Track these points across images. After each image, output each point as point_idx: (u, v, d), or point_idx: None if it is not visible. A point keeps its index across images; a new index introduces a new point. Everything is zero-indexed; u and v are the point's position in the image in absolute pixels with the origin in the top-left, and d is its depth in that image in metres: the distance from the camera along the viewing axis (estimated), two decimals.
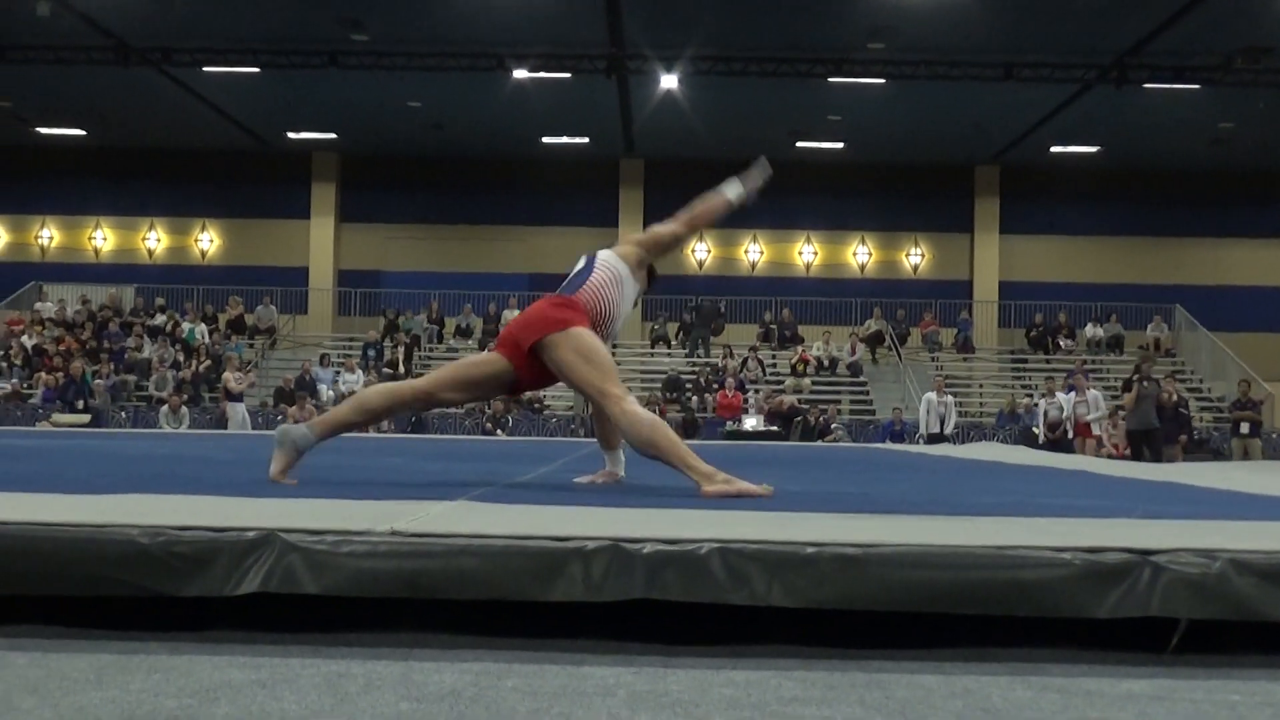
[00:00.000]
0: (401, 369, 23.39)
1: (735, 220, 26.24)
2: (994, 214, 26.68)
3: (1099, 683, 2.13)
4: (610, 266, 4.56)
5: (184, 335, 24.47)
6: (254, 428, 19.31)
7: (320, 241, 26.85)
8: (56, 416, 20.08)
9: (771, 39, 18.62)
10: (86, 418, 20.11)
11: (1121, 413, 19.98)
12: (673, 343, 25.56)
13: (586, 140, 24.82)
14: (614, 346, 23.62)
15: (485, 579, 2.31)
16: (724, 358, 23.57)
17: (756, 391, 22.52)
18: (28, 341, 23.78)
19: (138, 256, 27.22)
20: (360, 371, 22.28)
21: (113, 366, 22.91)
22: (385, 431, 18.45)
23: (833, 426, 20.65)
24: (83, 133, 25.29)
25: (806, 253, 27.05)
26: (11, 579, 2.35)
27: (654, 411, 18.54)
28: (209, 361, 22.97)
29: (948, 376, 23.99)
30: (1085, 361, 24.23)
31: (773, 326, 25.58)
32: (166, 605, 2.37)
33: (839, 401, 22.86)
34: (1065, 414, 18.19)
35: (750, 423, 20.62)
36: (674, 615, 2.36)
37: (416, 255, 26.80)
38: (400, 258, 26.86)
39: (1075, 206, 26.46)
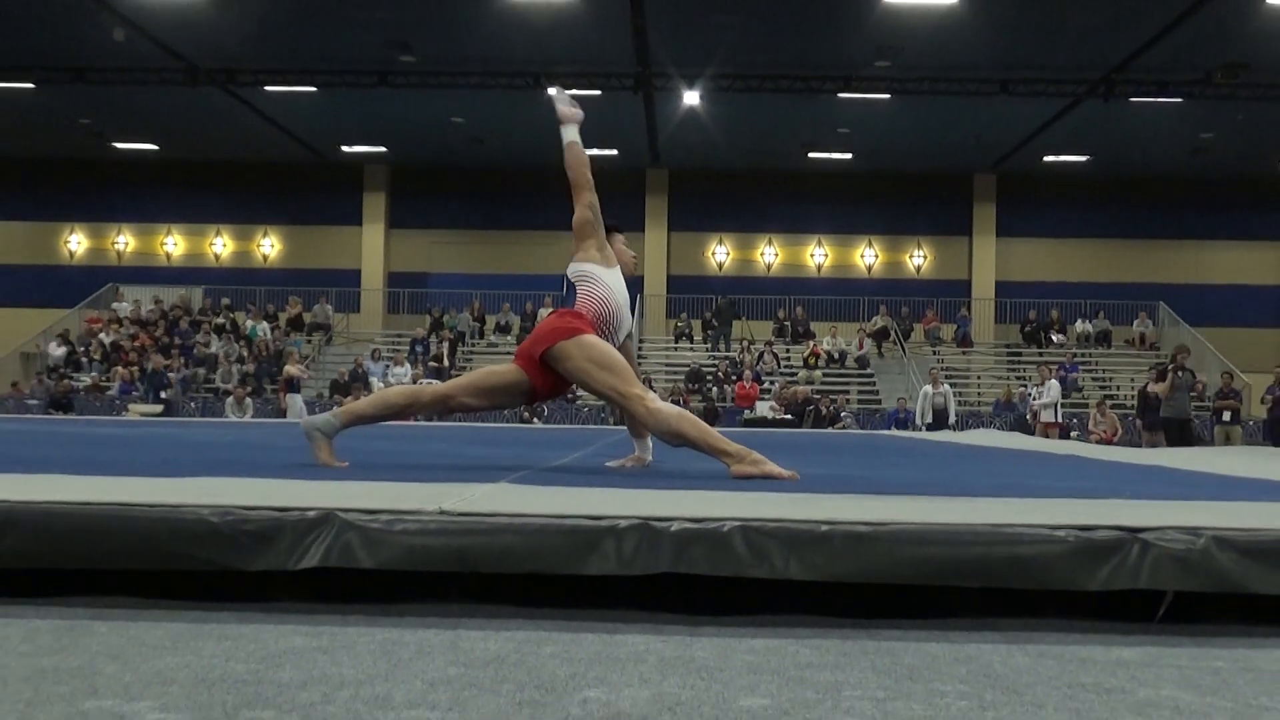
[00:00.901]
0: (446, 363, 23.47)
1: (753, 225, 26.53)
2: (991, 218, 26.58)
3: (1092, 650, 2.13)
4: (581, 274, 4.54)
5: (247, 332, 24.61)
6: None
7: (372, 246, 26.94)
8: (133, 407, 20.23)
9: (785, 58, 18.58)
10: (160, 408, 20.25)
11: (1109, 402, 19.94)
12: (696, 338, 25.56)
13: (615, 152, 24.81)
14: (640, 342, 23.80)
15: (526, 554, 2.32)
16: (742, 352, 23.56)
17: (772, 383, 22.49)
18: (106, 339, 23.96)
19: (205, 260, 27.36)
20: (408, 365, 22.35)
21: (183, 361, 23.05)
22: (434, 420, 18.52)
23: (842, 415, 20.60)
24: (155, 147, 25.43)
25: (818, 255, 26.98)
26: (96, 554, 2.36)
27: (676, 402, 18.46)
28: (293, 352, 23.11)
29: (948, 369, 23.92)
30: (1075, 355, 24.13)
31: (787, 323, 25.55)
32: (235, 578, 2.38)
33: (848, 392, 22.81)
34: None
35: (766, 411, 20.60)
36: (699, 588, 2.36)
37: (460, 258, 26.85)
38: (445, 261, 26.92)
39: (1067, 211, 26.33)
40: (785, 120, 21.88)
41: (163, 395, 21.02)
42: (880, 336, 25.10)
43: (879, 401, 22.70)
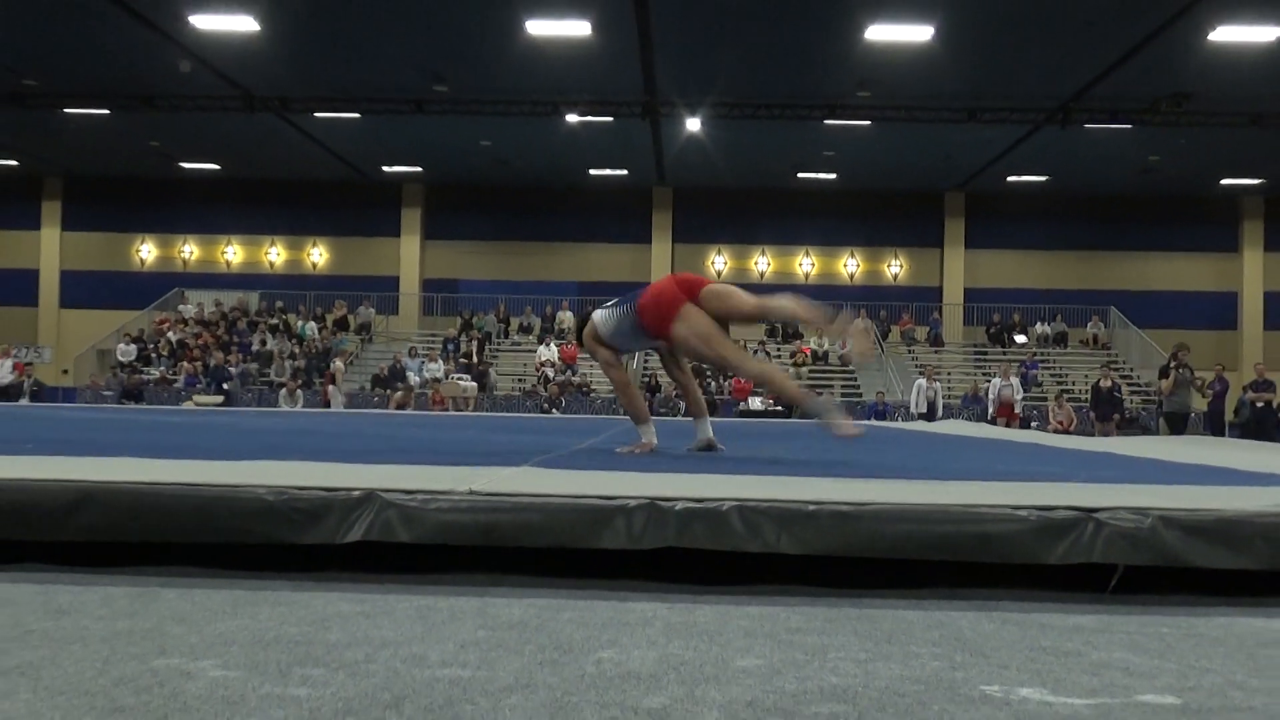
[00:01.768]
0: (475, 360, 23.49)
1: (748, 237, 26.49)
2: (960, 232, 26.54)
3: (1050, 617, 2.12)
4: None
5: (298, 332, 24.65)
6: (354, 407, 19.42)
7: (409, 255, 26.95)
8: (197, 397, 20.28)
9: (777, 89, 18.57)
10: (220, 399, 20.29)
11: (1066, 396, 19.90)
12: None
13: (625, 172, 24.81)
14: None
15: (546, 530, 2.32)
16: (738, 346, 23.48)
17: None
18: (173, 337, 24.01)
19: (261, 267, 27.38)
20: (441, 361, 22.36)
21: (241, 357, 23.09)
22: (463, 410, 18.53)
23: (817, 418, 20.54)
24: (217, 167, 25.47)
25: (805, 264, 26.94)
26: (164, 529, 2.37)
27: (677, 394, 18.39)
28: (342, 353, 23.17)
29: (922, 366, 23.90)
30: (1035, 354, 24.10)
31: (777, 325, 25.51)
32: (288, 551, 2.39)
33: (832, 386, 22.79)
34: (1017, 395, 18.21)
35: (758, 404, 20.58)
36: (700, 560, 2.36)
37: (487, 266, 26.85)
38: (473, 268, 26.92)
39: (1028, 225, 26.29)
40: (777, 144, 21.86)
41: (223, 387, 21.05)
42: None
43: (860, 395, 22.66)
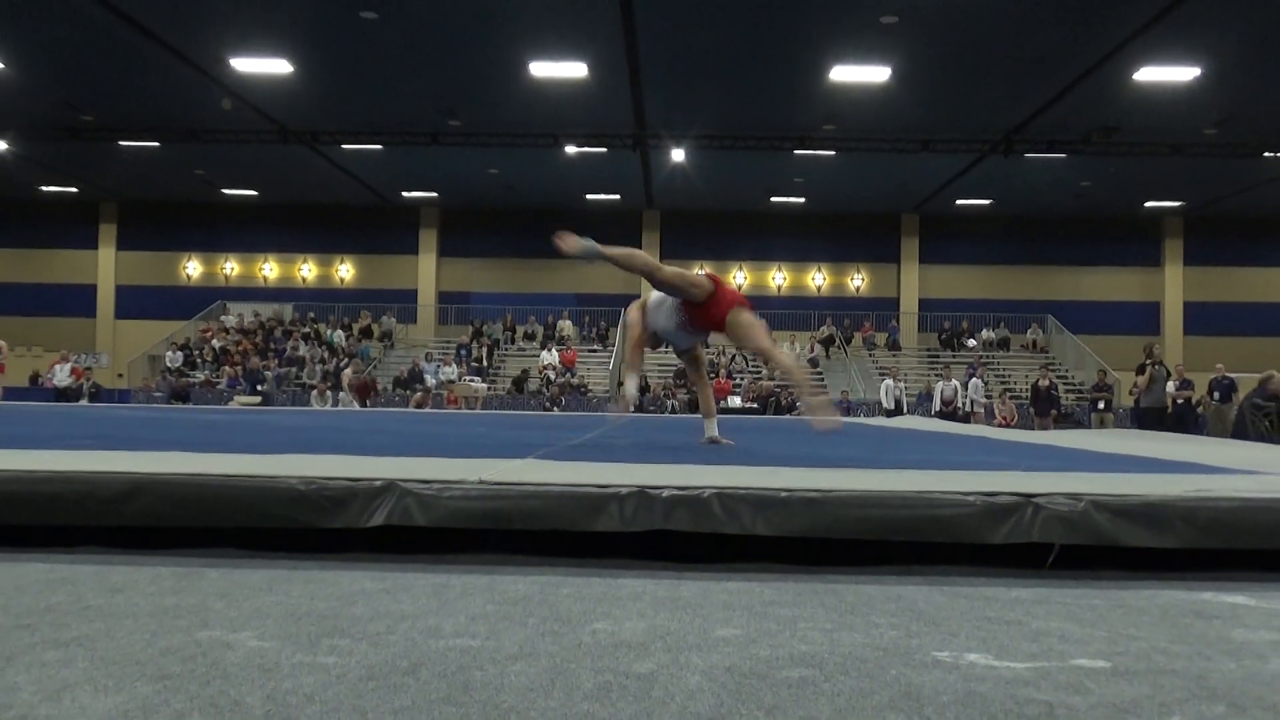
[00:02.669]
0: (485, 363, 23.47)
1: (727, 254, 26.52)
2: (915, 249, 26.57)
3: (995, 590, 2.13)
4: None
5: (328, 339, 24.59)
6: (377, 406, 19.38)
7: (426, 271, 26.91)
8: (237, 398, 20.22)
9: (753, 123, 18.59)
10: (258, 399, 20.23)
11: (1008, 394, 19.93)
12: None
13: (618, 196, 24.81)
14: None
15: (547, 515, 2.32)
16: (718, 354, 23.53)
17: (742, 379, 22.48)
18: (216, 344, 23.94)
19: (294, 282, 27.31)
20: (455, 365, 22.33)
21: (277, 362, 23.03)
22: (476, 408, 18.51)
23: (798, 404, 20.58)
24: (255, 193, 25.40)
25: (778, 278, 26.95)
26: (207, 515, 2.37)
27: (665, 393, 18.24)
28: (356, 361, 23.13)
29: (883, 368, 23.94)
30: (982, 357, 24.15)
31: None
32: (317, 534, 2.38)
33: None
34: (960, 395, 18.20)
35: (737, 402, 20.59)
36: (685, 542, 2.36)
37: (495, 280, 26.82)
38: (484, 282, 26.88)
39: (974, 243, 26.35)
40: (752, 171, 21.88)
41: (260, 389, 20.99)
42: (827, 343, 25.08)
43: (826, 394, 22.69)
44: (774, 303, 26.43)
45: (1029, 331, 25.81)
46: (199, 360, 23.28)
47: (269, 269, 27.32)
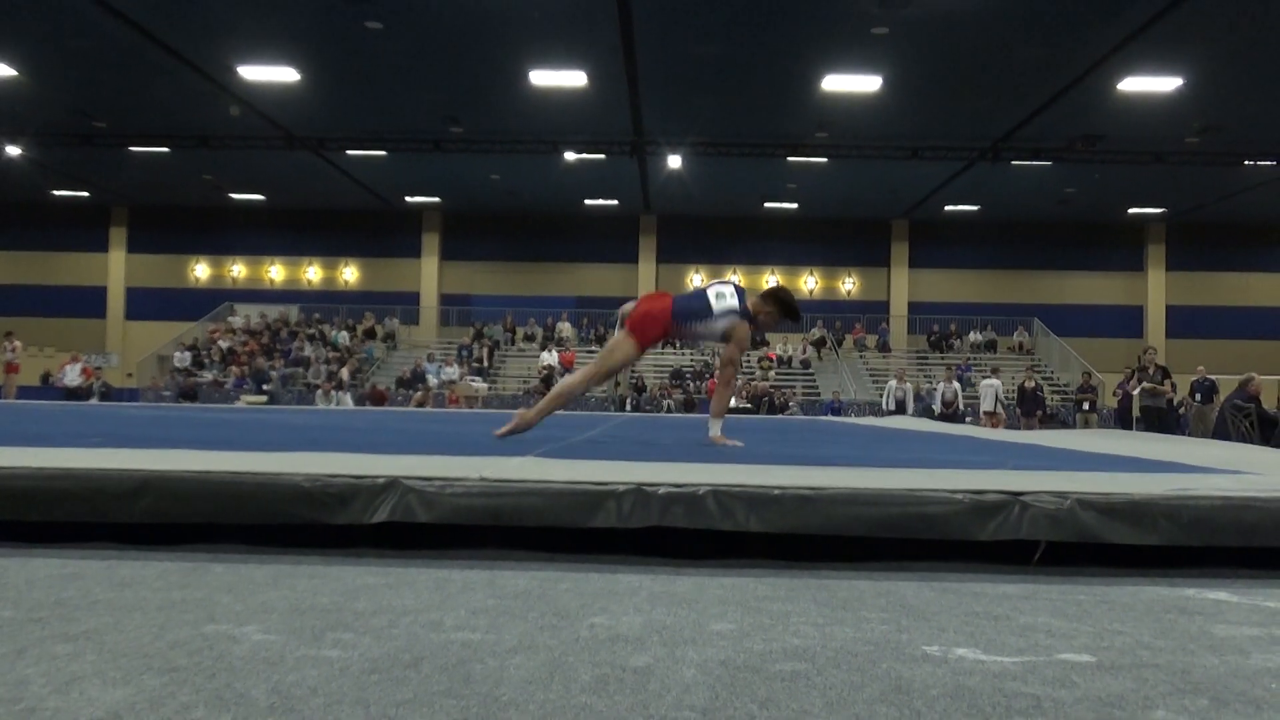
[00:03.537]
0: (486, 364, 23.46)
1: (721, 258, 26.53)
2: (904, 253, 26.61)
3: (983, 586, 2.12)
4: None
5: (332, 340, 24.57)
6: (378, 405, 19.35)
7: (428, 273, 26.90)
8: (244, 397, 20.19)
9: (747, 130, 18.60)
10: (265, 398, 20.21)
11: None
12: (678, 345, 25.54)
13: (616, 202, 24.81)
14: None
15: (547, 512, 2.32)
16: (713, 355, 23.54)
17: (736, 380, 22.42)
18: (223, 345, 23.91)
19: (300, 284, 27.29)
20: (456, 365, 22.31)
21: (283, 362, 23.00)
22: (477, 408, 18.49)
23: (790, 405, 20.60)
24: (262, 197, 25.37)
25: (771, 281, 26.92)
26: (214, 511, 2.36)
27: (662, 394, 18.20)
28: (352, 361, 23.10)
29: (872, 370, 23.97)
30: (969, 359, 24.18)
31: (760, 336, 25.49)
32: (322, 530, 2.37)
33: (794, 387, 22.81)
34: (960, 397, 18.14)
35: (731, 402, 20.56)
36: (680, 538, 2.35)
37: (496, 283, 26.81)
38: (485, 285, 26.87)
39: (962, 248, 26.38)
40: (746, 178, 21.89)
41: (266, 388, 20.97)
42: (819, 344, 25.12)
43: (819, 394, 22.70)
44: None
45: (1015, 334, 25.86)
46: (207, 360, 23.25)
47: (275, 271, 27.30)
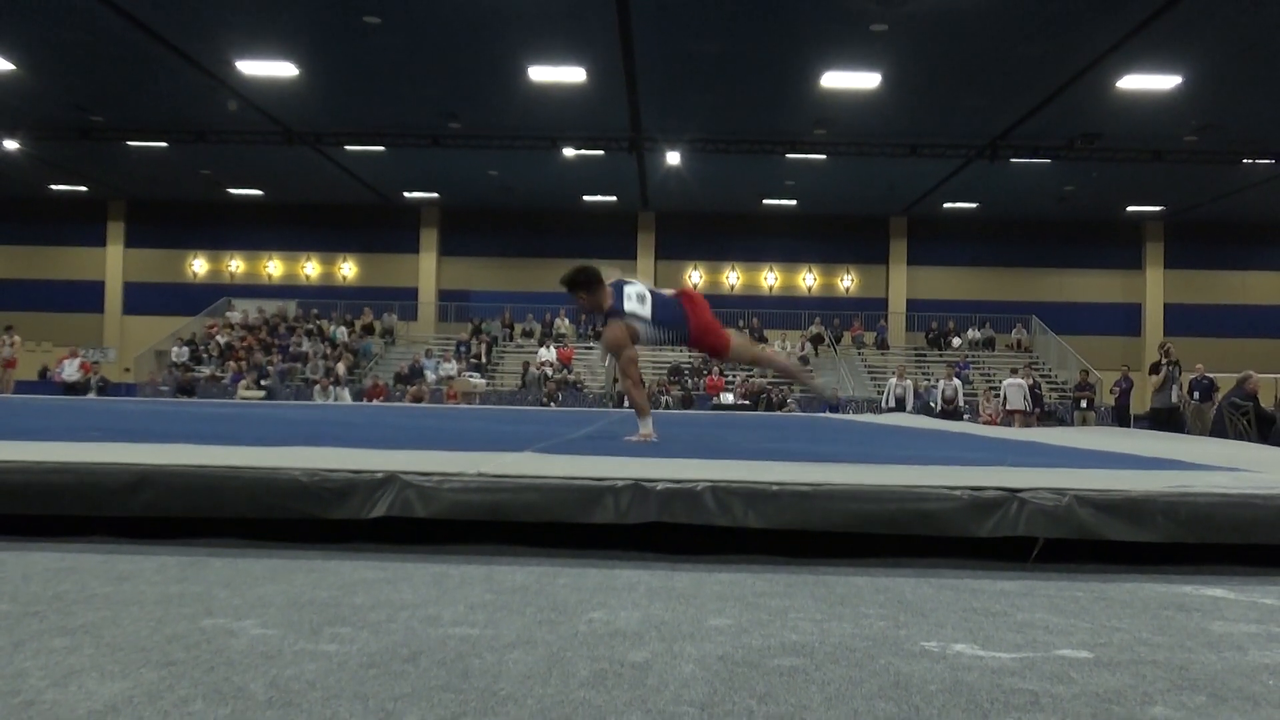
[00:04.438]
0: (484, 360, 23.45)
1: (720, 255, 26.53)
2: (903, 251, 26.60)
3: (981, 583, 2.13)
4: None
5: (330, 335, 24.55)
6: (373, 401, 19.35)
7: (426, 269, 26.88)
8: (242, 392, 20.17)
9: (745, 127, 18.59)
10: (262, 393, 20.20)
11: (994, 393, 19.94)
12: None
13: (614, 198, 24.79)
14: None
15: (545, 507, 2.31)
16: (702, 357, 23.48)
17: (734, 376, 22.49)
18: (221, 340, 23.89)
19: (298, 280, 27.25)
20: (454, 361, 22.31)
21: (280, 357, 22.98)
22: (475, 403, 18.49)
23: (788, 401, 20.61)
24: (260, 192, 25.34)
25: (770, 278, 26.96)
26: (212, 506, 2.36)
27: (658, 390, 18.25)
28: (350, 357, 23.09)
29: (870, 367, 23.97)
30: (967, 356, 24.19)
31: (746, 330, 25.53)
32: (320, 525, 2.37)
33: (792, 384, 22.82)
34: (960, 394, 18.15)
35: (729, 399, 20.59)
36: (678, 534, 2.35)
37: (494, 279, 26.79)
38: (483, 280, 26.86)
39: (961, 245, 26.38)
40: (745, 174, 21.88)
41: (264, 383, 20.95)
42: (817, 341, 25.10)
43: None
44: (766, 302, 26.46)
45: (1013, 332, 25.85)
46: (205, 355, 23.22)
47: (273, 267, 27.27)
